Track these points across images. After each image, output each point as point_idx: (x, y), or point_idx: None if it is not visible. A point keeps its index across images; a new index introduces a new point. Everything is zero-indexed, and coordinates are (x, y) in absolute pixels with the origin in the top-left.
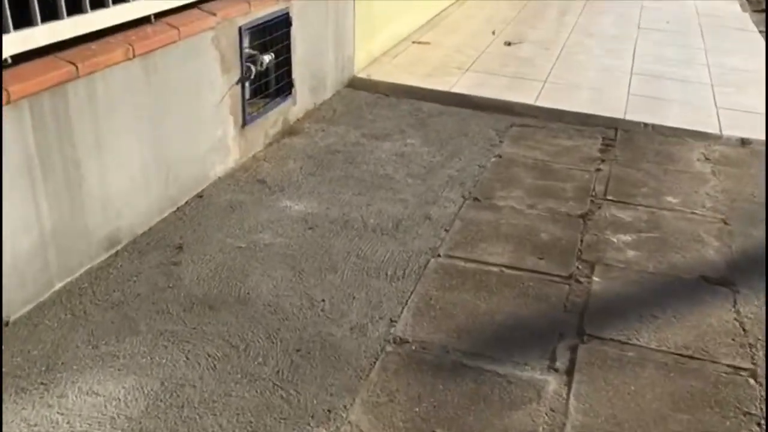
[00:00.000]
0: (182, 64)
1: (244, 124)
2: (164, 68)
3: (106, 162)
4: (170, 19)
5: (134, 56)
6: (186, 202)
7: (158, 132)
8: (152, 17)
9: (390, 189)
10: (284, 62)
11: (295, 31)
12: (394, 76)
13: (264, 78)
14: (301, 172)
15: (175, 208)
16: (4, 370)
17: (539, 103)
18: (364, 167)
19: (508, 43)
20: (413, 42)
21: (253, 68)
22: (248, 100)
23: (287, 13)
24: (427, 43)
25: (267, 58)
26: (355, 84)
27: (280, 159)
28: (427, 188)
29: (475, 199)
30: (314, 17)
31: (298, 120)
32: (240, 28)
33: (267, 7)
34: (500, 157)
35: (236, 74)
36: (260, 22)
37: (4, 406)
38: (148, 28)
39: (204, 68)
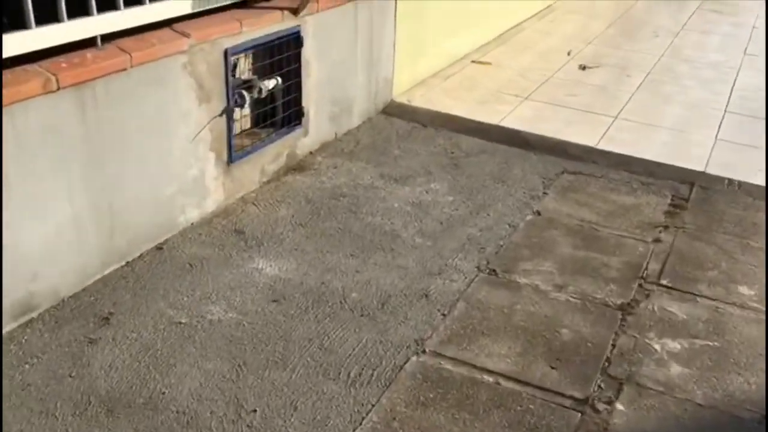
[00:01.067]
0: (138, 95)
1: (231, 160)
2: (109, 101)
3: (19, 213)
4: (125, 41)
5: (59, 88)
6: (140, 256)
7: (99, 174)
8: (98, 39)
9: (390, 251)
10: (294, 87)
11: (309, 52)
12: (438, 102)
13: (269, 104)
14: (290, 222)
15: (122, 263)
16: None
17: (602, 146)
18: (369, 219)
19: (583, 67)
20: (472, 61)
21: (247, 96)
22: (248, 130)
23: (298, 32)
24: (488, 63)
25: (270, 83)
26: (391, 110)
27: (272, 203)
28: (437, 252)
29: (492, 271)
30: (338, 35)
31: (310, 153)
32: (226, 51)
33: (267, 25)
34: (538, 214)
35: (220, 104)
36: (258, 43)
37: None
38: (88, 54)
39: (172, 99)
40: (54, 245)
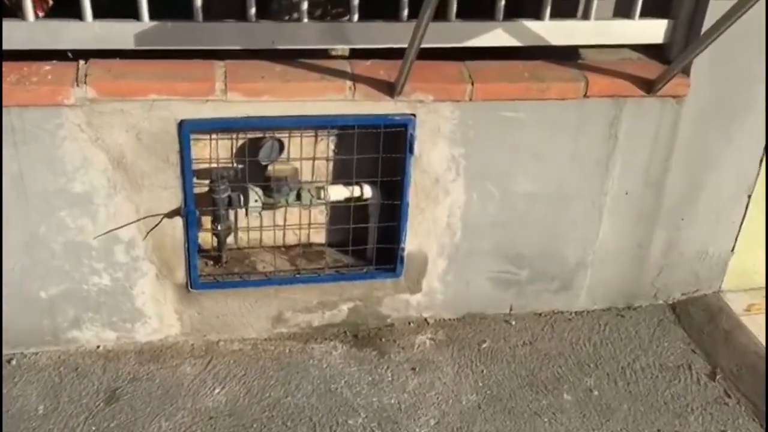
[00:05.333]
0: None
1: (193, 285)
2: None
3: None
4: None
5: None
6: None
7: None
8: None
9: None
10: (389, 209)
11: (436, 159)
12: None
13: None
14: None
15: None
16: None
17: None
18: None
19: None
20: None
21: (256, 197)
22: (305, 246)
23: (404, 124)
24: None
25: (338, 191)
26: (682, 312)
27: (242, 371)
28: None
29: None
30: (531, 142)
31: (414, 323)
32: (181, 123)
33: (324, 99)
34: None
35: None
36: (318, 121)
37: None
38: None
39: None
40: None
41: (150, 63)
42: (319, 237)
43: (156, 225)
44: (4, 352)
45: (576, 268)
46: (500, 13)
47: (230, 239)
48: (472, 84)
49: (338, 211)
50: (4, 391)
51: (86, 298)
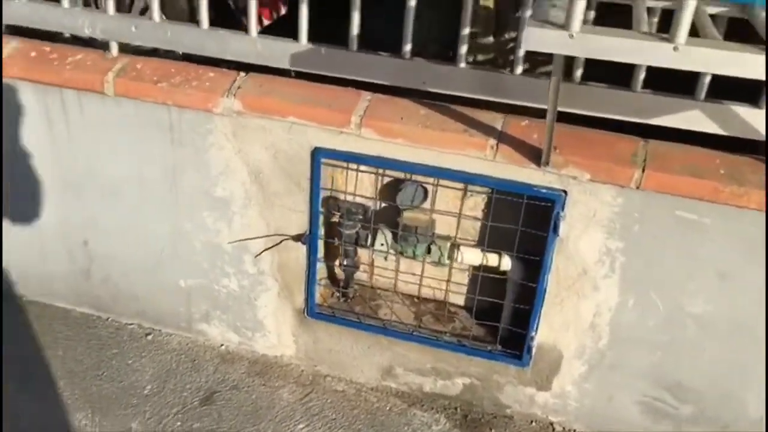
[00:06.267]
0: None
1: (309, 312)
2: None
3: None
4: None
5: None
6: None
7: None
8: None
9: None
10: (524, 292)
11: (589, 251)
12: None
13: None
14: None
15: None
16: None
17: None
18: None
19: None
20: None
21: (384, 238)
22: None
23: (551, 200)
24: None
25: (472, 256)
26: None
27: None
28: None
29: None
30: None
31: (537, 422)
32: (314, 151)
33: (459, 155)
34: None
35: (296, 221)
36: (449, 173)
37: None
38: None
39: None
40: None
41: (298, 84)
42: (458, 298)
43: (275, 245)
44: (146, 325)
45: (758, 421)
46: (702, 92)
47: (365, 276)
48: (643, 170)
49: (482, 277)
50: (129, 361)
51: (217, 297)
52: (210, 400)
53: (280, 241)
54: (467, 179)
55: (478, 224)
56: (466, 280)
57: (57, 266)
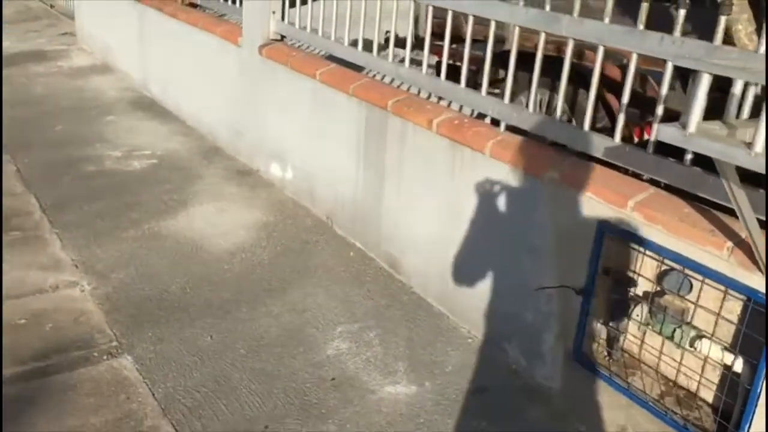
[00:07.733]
0: None
1: (578, 358)
2: None
3: None
4: None
5: None
6: None
7: None
8: None
9: None
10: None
11: None
12: None
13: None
14: None
15: None
16: None
17: None
18: None
19: None
20: None
21: (640, 311)
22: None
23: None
24: None
25: (712, 349)
26: None
27: None
28: None
29: None
30: None
31: None
32: (601, 225)
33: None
34: None
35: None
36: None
37: None
38: None
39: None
40: None
41: (598, 167)
42: (706, 393)
43: (546, 287)
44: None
45: None
46: None
47: (635, 348)
48: None
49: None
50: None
51: (524, 325)
52: (481, 390)
53: (553, 286)
54: (705, 273)
55: (733, 328)
56: (716, 379)
57: None
